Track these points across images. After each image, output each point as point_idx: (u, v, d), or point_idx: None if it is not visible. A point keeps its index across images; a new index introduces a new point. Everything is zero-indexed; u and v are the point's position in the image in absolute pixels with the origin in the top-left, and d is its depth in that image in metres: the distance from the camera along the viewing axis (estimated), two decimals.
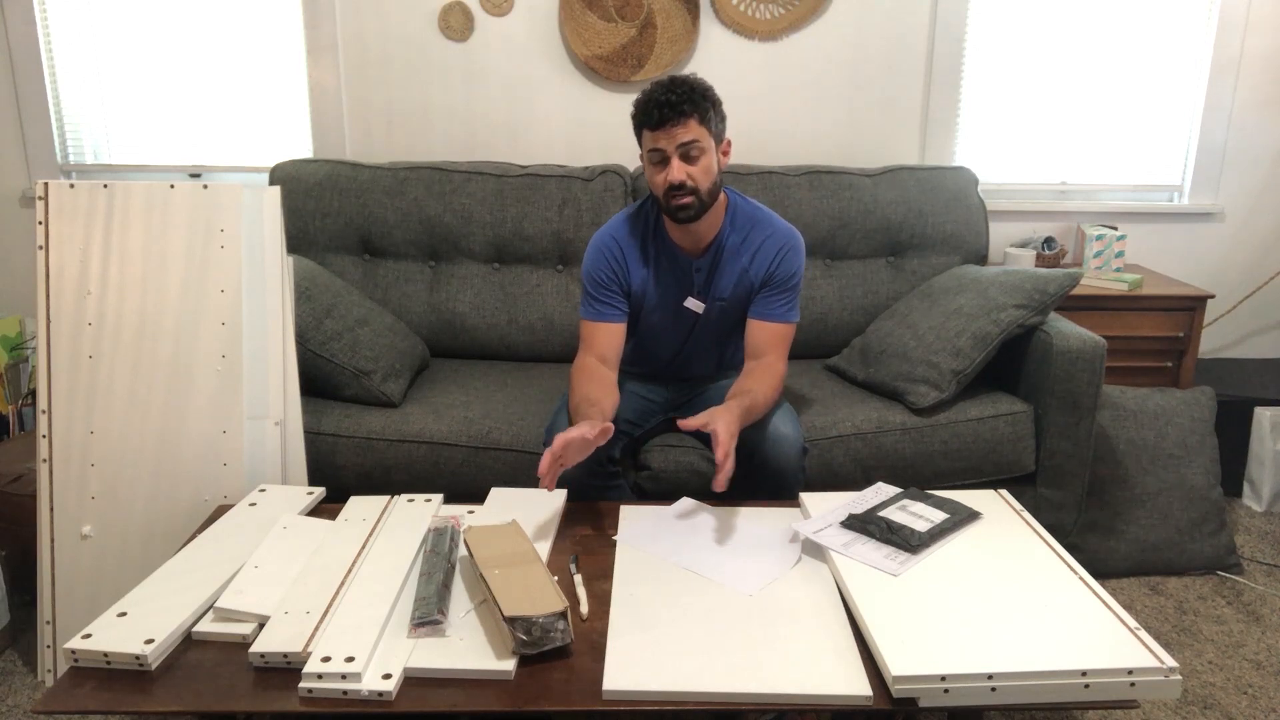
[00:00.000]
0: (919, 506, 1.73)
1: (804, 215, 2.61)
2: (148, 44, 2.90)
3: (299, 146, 2.98)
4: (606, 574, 1.57)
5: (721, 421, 1.70)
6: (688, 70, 2.85)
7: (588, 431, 1.66)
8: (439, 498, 1.82)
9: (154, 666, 1.34)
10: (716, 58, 2.89)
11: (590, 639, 1.40)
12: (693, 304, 2.04)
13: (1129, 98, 3.01)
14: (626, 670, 1.32)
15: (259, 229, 2.00)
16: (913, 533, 1.62)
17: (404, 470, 2.15)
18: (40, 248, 1.92)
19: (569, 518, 1.79)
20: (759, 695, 1.28)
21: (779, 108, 2.94)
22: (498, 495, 1.86)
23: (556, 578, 1.55)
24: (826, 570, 1.58)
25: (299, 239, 2.62)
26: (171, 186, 1.97)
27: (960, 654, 1.32)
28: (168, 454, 1.92)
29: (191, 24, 2.89)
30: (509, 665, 1.32)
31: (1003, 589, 1.49)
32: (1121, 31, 2.95)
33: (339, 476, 2.15)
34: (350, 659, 1.30)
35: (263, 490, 1.85)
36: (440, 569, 1.49)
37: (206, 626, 1.42)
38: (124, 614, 1.42)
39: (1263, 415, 2.76)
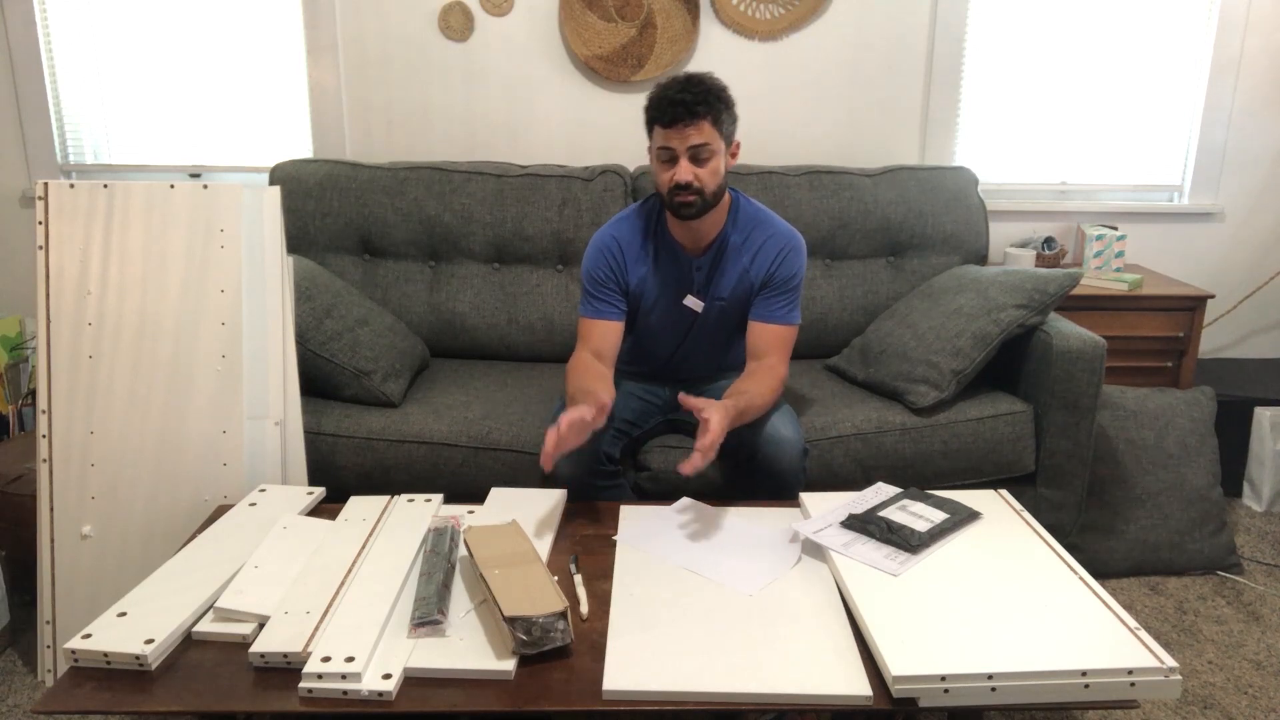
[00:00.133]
0: (919, 506, 1.73)
1: (804, 215, 2.61)
2: (148, 44, 2.90)
3: (299, 146, 2.98)
4: (606, 574, 1.57)
5: (717, 414, 1.71)
6: (687, 71, 2.85)
7: (585, 413, 1.67)
8: (439, 498, 1.82)
9: (154, 666, 1.34)
10: (716, 58, 2.89)
11: (590, 639, 1.40)
12: (692, 302, 2.04)
13: (1129, 98, 3.01)
14: (626, 670, 1.32)
15: (259, 229, 2.00)
16: (913, 533, 1.62)
17: (404, 470, 2.15)
18: (40, 248, 1.92)
19: (569, 518, 1.79)
20: (759, 695, 1.28)
21: (779, 108, 2.94)
22: (498, 495, 1.86)
23: (556, 578, 1.55)
24: (826, 570, 1.58)
25: (299, 239, 2.62)
26: (171, 186, 1.97)
27: (960, 654, 1.32)
28: (168, 454, 1.92)
29: (191, 24, 2.89)
30: (509, 665, 1.32)
31: (1003, 589, 1.49)
32: (1121, 32, 2.95)
33: (339, 476, 2.15)
34: (350, 659, 1.30)
35: (263, 490, 1.85)
36: (440, 569, 1.49)
37: (206, 626, 1.42)
38: (124, 614, 1.42)
39: (1263, 415, 2.76)
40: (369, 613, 1.41)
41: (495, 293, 2.62)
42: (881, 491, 1.82)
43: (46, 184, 1.93)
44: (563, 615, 1.34)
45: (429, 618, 1.38)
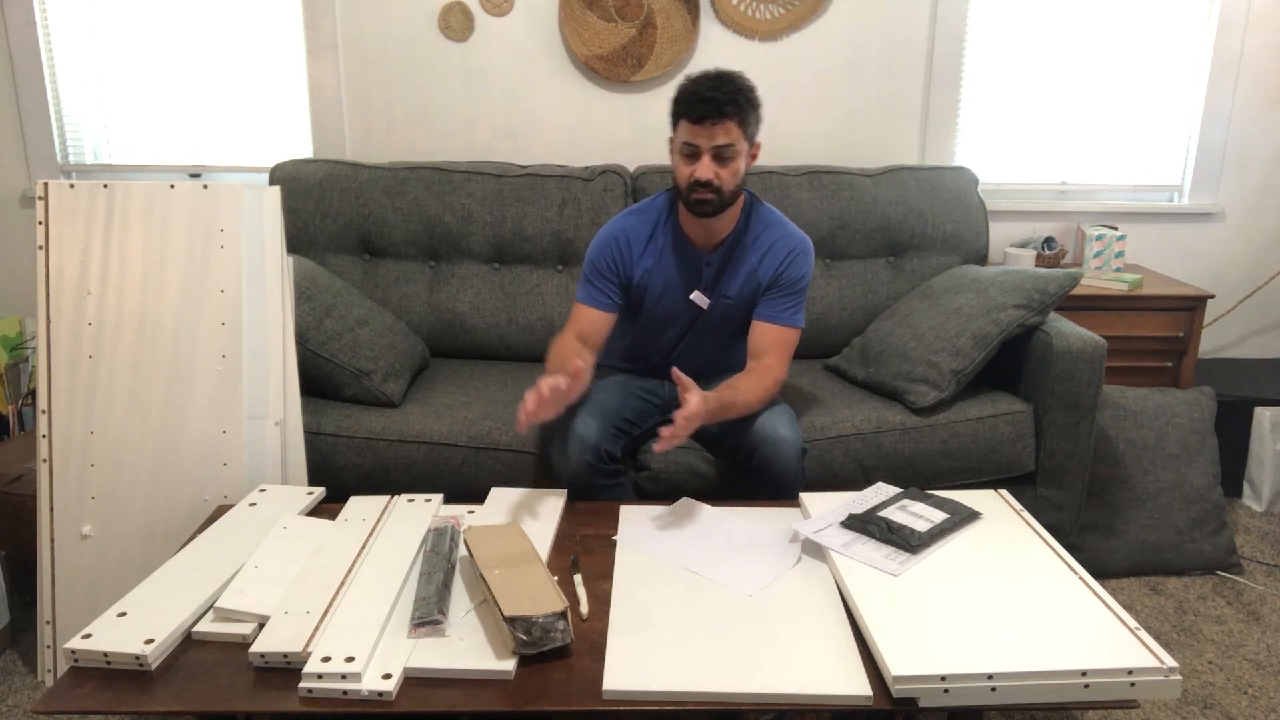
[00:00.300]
0: (919, 506, 1.73)
1: (804, 215, 2.61)
2: (148, 44, 2.90)
3: (299, 146, 2.98)
4: (606, 574, 1.57)
5: (697, 396, 1.75)
6: (687, 71, 2.85)
7: (561, 381, 1.71)
8: (439, 498, 1.82)
9: (154, 666, 1.34)
10: (716, 58, 2.88)
11: (590, 639, 1.40)
12: (698, 298, 2.05)
13: (1129, 98, 3.01)
14: (626, 670, 1.32)
15: (259, 229, 2.00)
16: (913, 533, 1.62)
17: (404, 470, 2.15)
18: (40, 248, 1.92)
19: (569, 518, 1.79)
20: (759, 695, 1.28)
21: (779, 108, 2.94)
22: (498, 495, 1.86)
23: (556, 578, 1.55)
24: (826, 570, 1.58)
25: (299, 239, 2.62)
26: (171, 186, 1.97)
27: (960, 654, 1.32)
28: (168, 454, 1.92)
29: (191, 24, 2.89)
30: (509, 665, 1.32)
31: (1003, 589, 1.49)
32: (1121, 32, 2.95)
33: (339, 476, 2.15)
34: (350, 659, 1.30)
35: (263, 490, 1.85)
36: (440, 569, 1.49)
37: (206, 626, 1.42)
38: (124, 614, 1.42)
39: (1263, 415, 2.76)
40: (369, 613, 1.41)
41: (495, 293, 2.62)
42: (881, 491, 1.82)
43: (46, 184, 1.93)
44: (563, 615, 1.34)
45: (429, 618, 1.38)
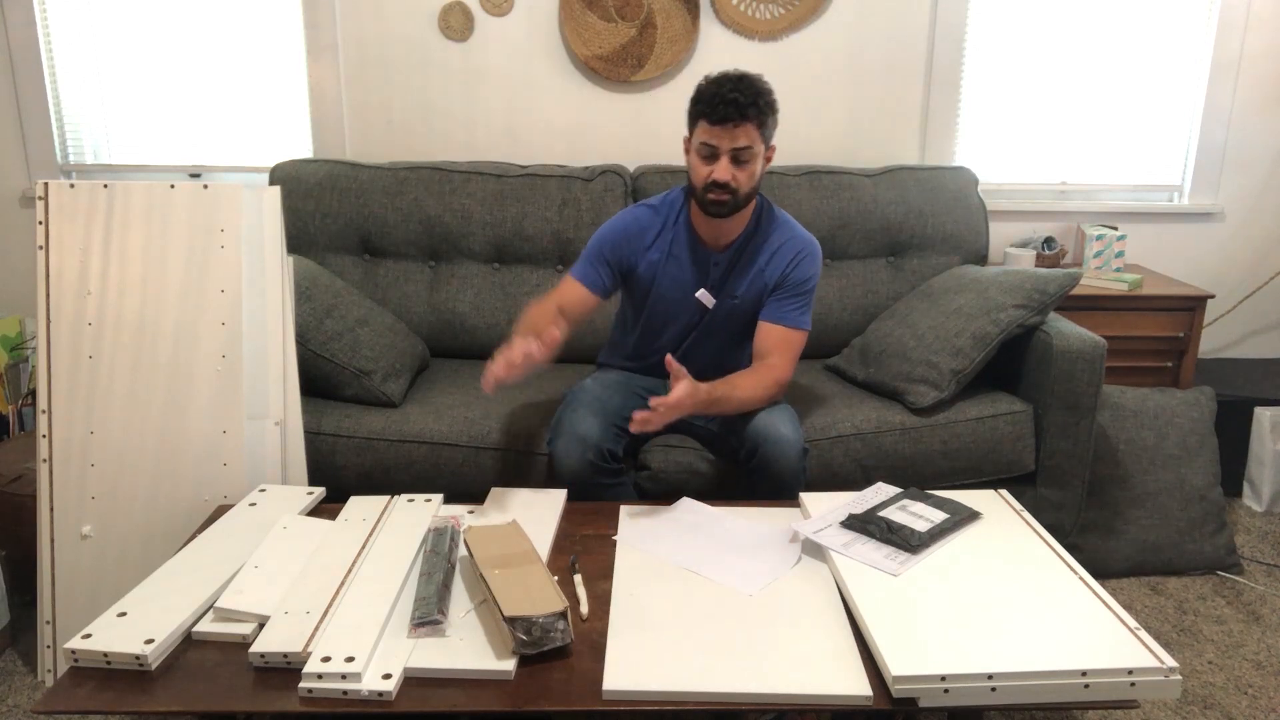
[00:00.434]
0: (919, 506, 1.73)
1: (804, 215, 2.61)
2: (148, 44, 2.90)
3: (299, 146, 2.98)
4: (606, 574, 1.57)
5: (686, 386, 1.76)
6: (687, 71, 2.85)
7: (534, 347, 1.71)
8: (439, 498, 1.82)
9: (154, 666, 1.34)
10: (716, 58, 2.88)
11: (590, 639, 1.40)
12: (704, 296, 2.05)
13: (1129, 98, 3.01)
14: (626, 670, 1.32)
15: (259, 229, 2.00)
16: (913, 533, 1.62)
17: (404, 470, 2.15)
18: (40, 248, 1.92)
19: (569, 518, 1.79)
20: (759, 695, 1.28)
21: (779, 108, 2.93)
22: (498, 495, 1.86)
23: (556, 578, 1.55)
24: (826, 570, 1.58)
25: (299, 239, 2.62)
26: (171, 186, 1.97)
27: (960, 654, 1.32)
28: (168, 454, 1.92)
29: (191, 24, 2.89)
30: (509, 665, 1.32)
31: (1003, 589, 1.49)
32: (1121, 32, 2.95)
33: (339, 476, 2.15)
34: (350, 659, 1.30)
35: (263, 490, 1.85)
36: (440, 569, 1.49)
37: (206, 626, 1.42)
38: (124, 614, 1.42)
39: (1263, 415, 2.76)
40: (369, 613, 1.41)
41: (495, 293, 2.62)
42: (881, 491, 1.82)
43: (46, 184, 1.93)
44: (563, 615, 1.35)
45: (429, 618, 1.38)
